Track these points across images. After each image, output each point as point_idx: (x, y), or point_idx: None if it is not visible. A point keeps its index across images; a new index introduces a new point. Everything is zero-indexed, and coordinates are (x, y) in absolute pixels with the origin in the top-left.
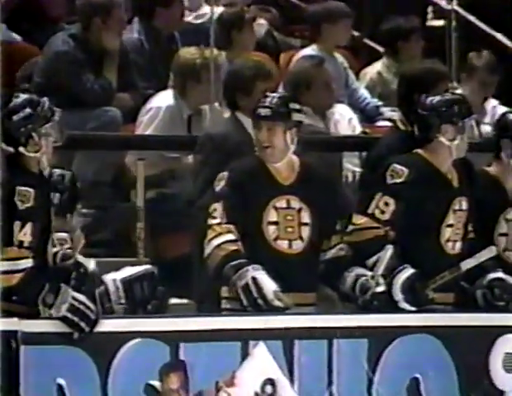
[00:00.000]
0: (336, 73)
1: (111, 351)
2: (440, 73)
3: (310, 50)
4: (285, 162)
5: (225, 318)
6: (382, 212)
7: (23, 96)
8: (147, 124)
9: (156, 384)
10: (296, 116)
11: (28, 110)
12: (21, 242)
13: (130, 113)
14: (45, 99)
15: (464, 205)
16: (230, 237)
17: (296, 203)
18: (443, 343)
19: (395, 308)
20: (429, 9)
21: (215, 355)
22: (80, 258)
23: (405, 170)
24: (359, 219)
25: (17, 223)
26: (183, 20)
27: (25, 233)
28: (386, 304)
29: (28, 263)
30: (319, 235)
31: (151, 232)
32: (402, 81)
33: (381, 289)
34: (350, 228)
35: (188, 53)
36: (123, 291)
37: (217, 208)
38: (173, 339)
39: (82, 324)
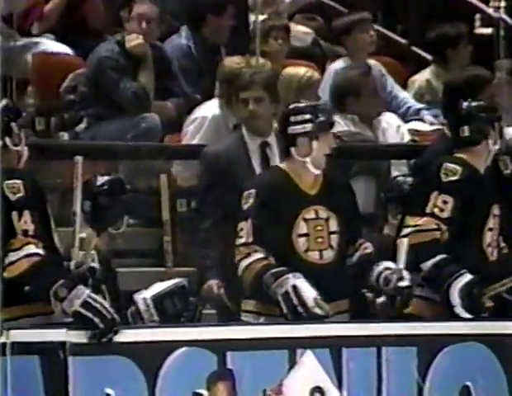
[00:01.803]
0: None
1: (158, 360)
2: (485, 79)
3: (341, 63)
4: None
5: (272, 326)
6: (442, 210)
7: None
8: (193, 134)
9: (204, 392)
10: None
11: (4, 102)
12: (26, 231)
13: (176, 123)
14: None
15: (498, 211)
16: (259, 255)
17: (323, 212)
18: (493, 351)
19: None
20: (477, 16)
21: (262, 364)
22: (92, 263)
23: (459, 168)
24: (417, 220)
25: (14, 214)
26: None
27: (25, 221)
28: (409, 299)
29: (31, 249)
30: (346, 242)
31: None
32: (447, 89)
33: (404, 283)
34: (407, 230)
35: (233, 62)
36: (154, 308)
37: (244, 227)
38: (220, 348)
39: (97, 320)
